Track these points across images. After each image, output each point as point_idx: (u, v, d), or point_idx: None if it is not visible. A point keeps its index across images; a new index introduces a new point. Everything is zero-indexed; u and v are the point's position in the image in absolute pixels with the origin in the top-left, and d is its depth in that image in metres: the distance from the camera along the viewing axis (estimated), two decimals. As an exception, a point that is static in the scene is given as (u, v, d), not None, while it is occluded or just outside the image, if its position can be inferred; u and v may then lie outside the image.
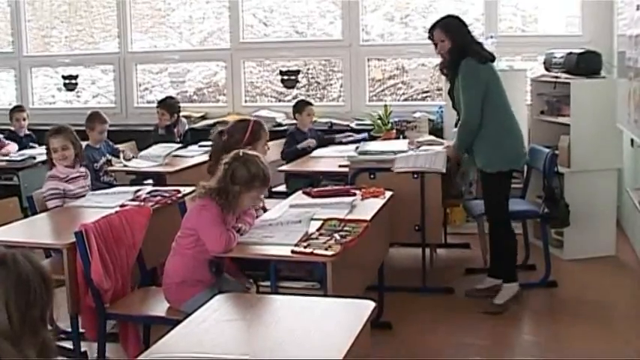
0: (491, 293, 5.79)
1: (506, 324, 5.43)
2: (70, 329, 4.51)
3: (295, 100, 8.24)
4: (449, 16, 5.89)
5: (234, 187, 4.15)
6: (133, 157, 7.34)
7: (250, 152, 4.40)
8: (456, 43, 5.65)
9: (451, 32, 5.68)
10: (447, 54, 5.73)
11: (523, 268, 6.44)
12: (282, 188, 6.98)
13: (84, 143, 6.20)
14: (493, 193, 5.72)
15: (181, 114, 8.52)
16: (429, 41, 8.83)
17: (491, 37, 7.49)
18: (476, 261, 6.51)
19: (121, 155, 7.35)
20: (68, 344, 4.58)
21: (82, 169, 5.62)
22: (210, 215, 4.08)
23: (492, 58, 5.73)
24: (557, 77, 6.99)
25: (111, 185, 6.67)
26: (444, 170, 5.88)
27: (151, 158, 7.13)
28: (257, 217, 4.57)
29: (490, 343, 5.15)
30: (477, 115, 5.56)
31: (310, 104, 7.84)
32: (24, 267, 2.15)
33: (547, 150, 6.24)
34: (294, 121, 7.90)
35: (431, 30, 5.80)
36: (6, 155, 7.72)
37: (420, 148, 6.37)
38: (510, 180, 5.80)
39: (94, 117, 7.48)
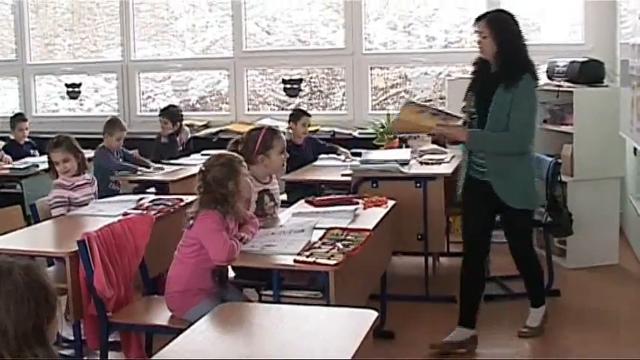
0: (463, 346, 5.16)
1: (509, 333, 5.42)
2: (72, 337, 4.51)
3: (291, 109, 8.20)
4: (500, 11, 5.23)
5: (227, 187, 4.17)
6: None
7: (219, 152, 4.49)
8: (502, 45, 4.91)
9: (498, 30, 4.93)
10: (492, 57, 4.96)
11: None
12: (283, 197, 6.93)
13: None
14: (523, 230, 5.26)
15: (184, 122, 8.53)
16: (431, 49, 8.92)
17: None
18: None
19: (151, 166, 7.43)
20: (70, 352, 4.58)
21: (88, 176, 5.62)
22: (212, 224, 4.09)
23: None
24: (559, 86, 6.99)
25: (116, 193, 6.68)
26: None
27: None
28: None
29: (493, 352, 5.14)
30: (531, 137, 5.00)
31: (308, 114, 7.73)
32: (17, 279, 2.14)
33: (550, 159, 6.22)
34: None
35: (477, 20, 5.01)
36: (8, 163, 7.73)
37: (423, 157, 6.41)
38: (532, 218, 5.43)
39: (115, 123, 7.52)
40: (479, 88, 5.06)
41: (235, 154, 4.39)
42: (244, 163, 4.36)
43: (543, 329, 5.34)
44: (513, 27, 4.97)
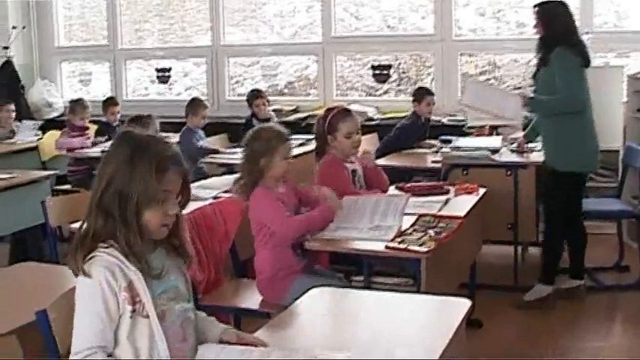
0: (576, 293, 5.72)
1: (596, 326, 5.33)
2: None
3: (416, 87, 8.27)
4: (553, 2, 5.61)
5: (259, 163, 4.11)
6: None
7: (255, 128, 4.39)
8: (547, 33, 5.49)
9: (545, 20, 5.52)
10: (539, 40, 5.57)
11: (617, 269, 6.33)
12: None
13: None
14: (557, 193, 5.52)
15: (272, 107, 8.58)
16: (521, 36, 8.76)
17: (587, 32, 7.34)
18: (567, 260, 6.37)
19: None
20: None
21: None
22: (265, 204, 4.08)
23: (586, 64, 5.50)
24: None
25: (205, 173, 6.79)
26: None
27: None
28: None
29: (577, 344, 5.04)
30: (582, 97, 5.37)
31: (431, 94, 7.82)
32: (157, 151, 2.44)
33: (643, 149, 6.12)
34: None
35: (534, 7, 5.63)
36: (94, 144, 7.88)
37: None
38: (583, 184, 5.64)
39: (198, 103, 7.91)
40: (534, 75, 5.69)
41: (281, 130, 4.26)
42: (286, 141, 4.23)
43: (533, 306, 5.55)
44: (561, 20, 5.48)
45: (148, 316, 2.39)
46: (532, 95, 5.60)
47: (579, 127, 5.43)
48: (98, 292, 2.35)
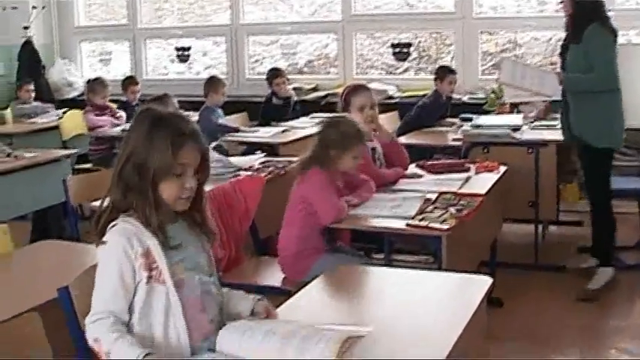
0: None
1: (617, 305, 5.32)
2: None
3: (438, 66, 8.19)
4: None
5: (329, 152, 4.12)
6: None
7: (341, 115, 4.41)
8: (575, 10, 5.40)
9: None
10: (567, 17, 5.49)
11: (638, 248, 6.31)
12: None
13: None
14: (599, 171, 5.49)
15: (292, 86, 8.57)
16: (542, 14, 8.69)
17: (609, 10, 7.26)
18: (588, 239, 6.31)
19: None
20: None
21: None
22: (319, 182, 4.07)
23: (615, 37, 5.42)
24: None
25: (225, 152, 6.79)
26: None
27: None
28: None
29: (597, 323, 5.03)
30: (618, 74, 5.31)
31: (453, 72, 7.75)
32: (173, 125, 2.47)
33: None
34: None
35: None
36: (119, 125, 7.90)
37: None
38: (612, 160, 5.57)
39: (218, 81, 7.95)
40: (562, 52, 5.61)
41: (361, 130, 4.27)
42: (361, 143, 4.25)
43: (601, 295, 5.40)
44: None
45: (164, 282, 2.41)
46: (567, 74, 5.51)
47: (613, 103, 5.40)
48: (113, 259, 2.39)
